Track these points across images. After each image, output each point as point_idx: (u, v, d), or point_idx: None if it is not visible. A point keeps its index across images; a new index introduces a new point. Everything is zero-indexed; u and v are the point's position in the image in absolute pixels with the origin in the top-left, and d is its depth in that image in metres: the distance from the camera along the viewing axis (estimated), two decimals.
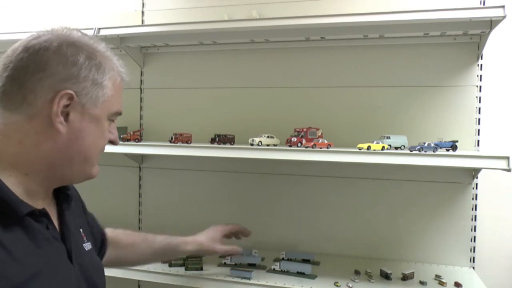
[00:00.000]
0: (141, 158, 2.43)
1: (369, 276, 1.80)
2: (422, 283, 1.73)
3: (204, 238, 1.51)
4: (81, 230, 1.07)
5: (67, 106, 0.86)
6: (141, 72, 2.44)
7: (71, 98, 0.86)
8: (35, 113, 0.85)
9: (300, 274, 1.81)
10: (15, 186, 0.85)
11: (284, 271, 1.84)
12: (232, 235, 1.77)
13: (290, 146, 1.84)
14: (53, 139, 0.87)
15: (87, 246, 1.05)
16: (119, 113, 0.97)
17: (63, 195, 1.00)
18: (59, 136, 0.87)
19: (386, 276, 1.80)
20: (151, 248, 1.39)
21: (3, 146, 0.85)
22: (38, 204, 0.89)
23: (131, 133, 2.09)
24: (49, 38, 0.87)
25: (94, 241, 1.17)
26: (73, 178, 0.96)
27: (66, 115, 0.87)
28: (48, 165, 0.88)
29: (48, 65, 0.85)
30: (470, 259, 1.99)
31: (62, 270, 0.89)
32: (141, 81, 2.45)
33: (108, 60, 0.93)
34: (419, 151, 1.66)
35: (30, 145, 0.86)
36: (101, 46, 0.93)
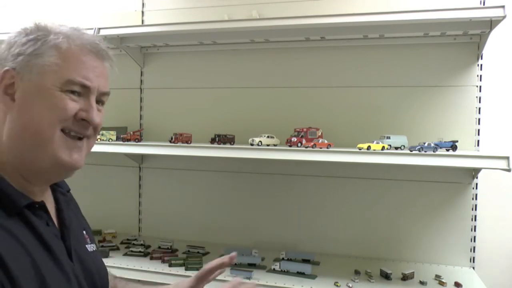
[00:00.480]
0: (141, 158, 2.43)
1: (369, 276, 1.80)
2: (422, 283, 1.73)
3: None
4: (84, 232, 1.06)
5: (11, 85, 0.85)
6: (141, 72, 2.44)
7: (12, 75, 0.85)
8: None
9: (300, 274, 1.81)
10: (14, 179, 0.86)
11: (284, 271, 1.84)
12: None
13: (290, 146, 1.84)
14: (8, 122, 0.85)
15: (91, 247, 1.03)
16: (80, 84, 0.87)
17: (62, 196, 0.99)
18: (10, 117, 0.85)
19: (386, 276, 1.80)
20: None
21: None
22: (36, 199, 0.89)
23: (131, 133, 2.09)
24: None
25: None
26: (40, 164, 0.86)
27: (13, 94, 0.85)
28: (12, 148, 0.86)
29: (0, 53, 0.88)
30: (470, 259, 1.99)
31: (64, 266, 0.88)
32: (141, 81, 2.45)
33: (55, 34, 0.88)
34: (419, 151, 1.66)
35: (1, 132, 0.86)
36: (56, 25, 0.91)
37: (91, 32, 2.07)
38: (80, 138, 0.89)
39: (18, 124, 0.85)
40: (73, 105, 0.86)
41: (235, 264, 1.92)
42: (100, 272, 1.02)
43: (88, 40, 0.89)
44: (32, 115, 0.84)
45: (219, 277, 1.75)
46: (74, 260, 0.92)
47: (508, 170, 1.50)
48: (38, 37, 0.86)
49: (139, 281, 1.26)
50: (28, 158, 0.86)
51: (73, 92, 0.86)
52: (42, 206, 0.89)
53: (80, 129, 0.88)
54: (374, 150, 1.71)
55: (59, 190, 1.00)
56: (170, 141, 2.02)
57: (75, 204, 1.10)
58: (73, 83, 0.86)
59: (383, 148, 1.73)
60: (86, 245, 1.02)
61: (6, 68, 0.85)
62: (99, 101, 0.93)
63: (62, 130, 0.85)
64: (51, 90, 0.84)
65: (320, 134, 1.92)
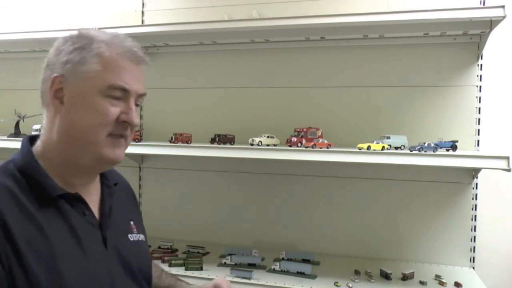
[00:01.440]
0: (141, 158, 2.43)
1: (369, 276, 1.80)
2: (422, 283, 1.73)
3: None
4: (131, 222, 1.12)
5: (60, 90, 0.95)
6: None
7: (60, 81, 0.95)
8: (47, 103, 0.98)
9: (300, 274, 1.81)
10: (54, 172, 0.95)
11: (284, 271, 1.84)
12: None
13: (290, 146, 1.84)
14: (58, 122, 0.96)
15: (135, 237, 1.09)
16: (120, 88, 0.95)
17: (106, 189, 1.07)
18: (59, 118, 0.96)
19: (386, 276, 1.80)
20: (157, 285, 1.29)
21: (43, 138, 0.99)
22: (74, 190, 0.97)
23: None
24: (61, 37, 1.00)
25: None
26: (86, 160, 0.96)
27: (62, 98, 0.95)
28: (60, 147, 0.96)
29: (48, 59, 1.00)
30: (470, 259, 1.99)
31: (92, 253, 0.93)
32: None
33: (97, 42, 0.97)
34: (419, 151, 1.66)
35: (49, 132, 0.97)
36: (98, 32, 1.01)
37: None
38: (121, 136, 0.98)
39: (66, 126, 0.95)
40: (114, 109, 0.95)
41: (235, 264, 1.92)
42: (140, 261, 1.06)
43: (127, 47, 0.99)
44: (79, 119, 0.94)
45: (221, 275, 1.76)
46: (109, 248, 0.98)
47: (508, 170, 1.50)
48: (83, 45, 0.96)
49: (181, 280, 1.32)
50: (75, 155, 0.95)
51: (114, 96, 0.95)
52: (76, 197, 0.96)
53: (121, 130, 0.97)
54: (374, 150, 1.71)
55: (106, 183, 1.08)
56: (170, 141, 2.02)
57: (127, 196, 1.20)
58: (114, 87, 0.95)
59: (383, 148, 1.73)
60: (129, 235, 1.08)
61: (56, 74, 0.95)
62: (137, 103, 1.02)
63: (109, 133, 0.95)
64: (94, 96, 0.94)
65: (320, 134, 1.92)
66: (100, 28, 2.06)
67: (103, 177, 1.09)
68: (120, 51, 0.97)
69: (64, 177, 0.96)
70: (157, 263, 1.21)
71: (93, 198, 1.02)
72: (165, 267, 1.88)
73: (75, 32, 1.00)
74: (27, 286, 0.82)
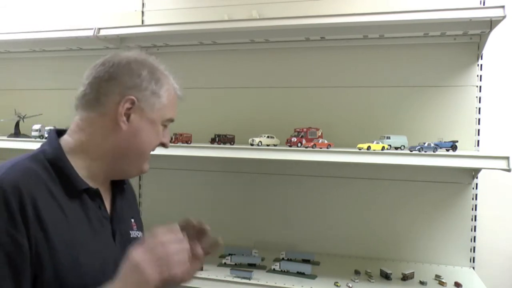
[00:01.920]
0: None
1: (369, 276, 1.80)
2: (422, 283, 1.73)
3: None
4: (132, 220, 1.22)
5: (129, 108, 1.06)
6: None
7: (133, 102, 1.06)
8: (105, 112, 1.06)
9: (300, 274, 1.81)
10: (80, 167, 1.05)
11: (284, 271, 1.84)
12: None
13: (290, 146, 1.84)
14: (116, 134, 1.07)
15: (136, 233, 1.20)
16: (172, 120, 1.16)
17: (118, 188, 1.18)
18: (121, 132, 1.06)
19: (386, 276, 1.80)
20: None
21: (78, 137, 1.07)
22: (95, 186, 1.07)
23: None
24: (123, 56, 1.11)
25: None
26: (129, 170, 1.13)
27: (128, 116, 1.07)
28: (110, 155, 1.08)
29: (118, 76, 1.07)
30: (470, 259, 1.99)
31: (105, 246, 1.05)
32: None
33: (166, 77, 1.15)
34: (419, 151, 1.66)
35: (98, 136, 1.07)
36: (162, 66, 1.17)
37: (91, 32, 2.08)
38: None
39: (128, 142, 1.08)
40: (161, 134, 1.14)
41: (235, 264, 1.92)
42: None
43: (178, 88, 1.20)
44: (142, 139, 1.09)
45: (219, 277, 1.76)
46: (116, 241, 1.09)
47: (508, 170, 1.50)
48: (159, 78, 1.12)
49: None
50: (124, 165, 1.11)
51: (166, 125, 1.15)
52: (97, 192, 1.07)
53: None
54: (374, 150, 1.71)
55: (117, 182, 1.19)
56: (170, 141, 2.02)
57: (131, 195, 1.32)
58: (170, 120, 1.16)
59: (383, 148, 1.73)
60: (131, 231, 1.19)
61: (132, 96, 1.06)
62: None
63: None
64: (158, 123, 1.11)
65: (320, 134, 1.92)
66: (100, 28, 2.08)
67: None
68: (175, 91, 1.17)
69: (88, 174, 1.06)
70: None
71: (106, 194, 1.13)
72: None
73: (147, 59, 1.15)
74: (52, 268, 0.91)
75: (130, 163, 1.11)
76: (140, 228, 1.25)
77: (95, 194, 1.06)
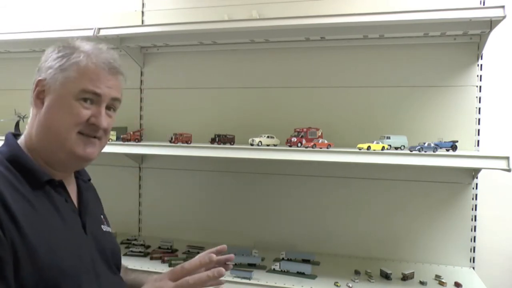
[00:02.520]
0: (141, 158, 2.43)
1: (369, 276, 1.80)
2: (422, 283, 1.73)
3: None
4: (102, 216, 1.24)
5: (42, 91, 1.06)
6: (141, 72, 2.44)
7: (39, 84, 1.06)
8: (31, 102, 1.09)
9: (300, 274, 1.81)
10: (40, 162, 1.06)
11: (284, 271, 1.84)
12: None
13: (290, 146, 1.84)
14: (37, 121, 1.07)
15: (106, 228, 1.21)
16: (93, 92, 1.05)
17: (80, 181, 1.19)
18: (39, 117, 1.06)
19: (386, 276, 1.80)
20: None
21: (27, 132, 1.09)
22: (56, 178, 1.07)
23: (131, 133, 2.09)
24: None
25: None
26: (60, 157, 1.06)
27: (43, 99, 1.06)
28: (38, 142, 1.06)
29: (39, 64, 1.11)
30: (470, 259, 1.99)
31: (77, 237, 1.05)
32: (141, 81, 2.45)
33: (80, 52, 1.07)
34: (419, 151, 1.66)
35: (31, 128, 1.08)
36: (84, 43, 1.11)
37: (91, 32, 2.08)
38: (94, 137, 1.08)
39: (43, 124, 1.05)
40: (85, 112, 1.05)
41: (235, 264, 1.92)
42: (113, 249, 1.18)
43: (104, 58, 1.08)
44: (54, 119, 1.05)
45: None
46: (87, 233, 1.08)
47: (508, 170, 1.50)
48: (65, 54, 1.07)
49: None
50: (49, 151, 1.06)
51: (85, 100, 1.05)
52: (61, 184, 1.07)
53: (91, 132, 1.07)
54: (374, 150, 1.71)
55: (81, 178, 1.20)
56: (170, 141, 2.02)
57: (95, 193, 1.31)
58: (86, 91, 1.05)
59: (383, 148, 1.73)
60: (102, 225, 1.19)
61: (40, 78, 1.07)
62: (111, 107, 1.12)
63: (79, 132, 1.05)
64: (68, 99, 1.04)
65: (320, 134, 1.92)
66: (100, 28, 2.08)
67: (77, 173, 1.20)
68: (96, 61, 1.07)
69: (45, 168, 1.06)
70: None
71: (71, 188, 1.13)
72: (164, 266, 1.90)
73: (66, 40, 1.12)
74: (27, 256, 0.91)
75: (56, 147, 1.05)
76: (108, 224, 1.26)
77: (59, 186, 1.07)
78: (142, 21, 2.45)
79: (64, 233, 1.00)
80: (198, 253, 2.06)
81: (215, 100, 2.31)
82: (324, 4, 2.14)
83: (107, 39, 2.13)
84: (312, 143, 1.80)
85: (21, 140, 1.09)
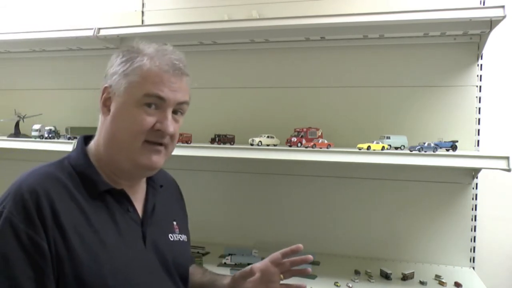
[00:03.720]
0: None
1: (369, 276, 1.80)
2: (422, 283, 1.73)
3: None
4: (174, 222, 1.19)
5: (108, 98, 1.04)
6: None
7: (106, 91, 1.04)
8: (99, 110, 1.07)
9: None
10: (106, 170, 1.05)
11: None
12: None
13: (290, 146, 1.84)
14: (104, 128, 1.05)
15: (176, 237, 1.15)
16: (157, 96, 1.00)
17: (150, 187, 1.15)
18: (106, 125, 1.04)
19: (386, 276, 1.80)
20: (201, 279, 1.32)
21: (96, 139, 1.08)
22: (120, 187, 1.05)
23: None
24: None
25: None
26: (125, 166, 1.03)
27: (109, 107, 1.04)
28: (105, 150, 1.05)
29: (106, 71, 1.08)
30: (470, 259, 1.99)
31: (132, 250, 1.00)
32: None
33: (143, 55, 1.04)
34: (419, 151, 1.66)
35: (99, 136, 1.07)
36: (147, 45, 1.07)
37: (91, 32, 2.08)
38: (160, 144, 1.04)
39: (109, 132, 1.03)
40: (149, 119, 1.01)
41: (235, 264, 1.92)
42: (177, 260, 1.11)
43: (167, 59, 1.04)
44: (119, 127, 1.02)
45: None
46: (147, 245, 1.04)
47: (508, 170, 1.50)
48: (129, 59, 1.03)
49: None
50: (114, 159, 1.04)
51: (150, 105, 1.01)
52: (123, 193, 1.04)
53: (157, 138, 1.03)
54: (374, 150, 1.71)
55: (152, 184, 1.16)
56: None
57: (174, 197, 1.31)
58: (149, 95, 1.00)
59: (383, 148, 1.73)
60: (170, 234, 1.14)
61: (106, 85, 1.05)
62: (178, 111, 1.08)
63: (146, 141, 1.01)
64: (132, 105, 1.00)
65: (320, 134, 1.92)
66: (100, 28, 2.08)
67: (150, 178, 1.16)
68: (159, 63, 1.02)
69: (111, 176, 1.05)
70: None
71: (137, 196, 1.10)
72: None
73: (128, 46, 1.09)
74: (71, 270, 0.90)
75: (122, 157, 1.03)
76: (184, 231, 1.21)
77: (121, 195, 1.04)
78: (142, 21, 2.45)
79: (117, 248, 0.97)
80: (198, 252, 2.07)
81: (215, 100, 2.31)
82: (324, 4, 2.14)
83: (107, 39, 2.13)
84: (312, 143, 1.80)
85: (90, 146, 1.09)
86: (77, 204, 0.96)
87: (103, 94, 1.06)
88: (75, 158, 1.05)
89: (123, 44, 2.24)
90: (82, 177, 1.01)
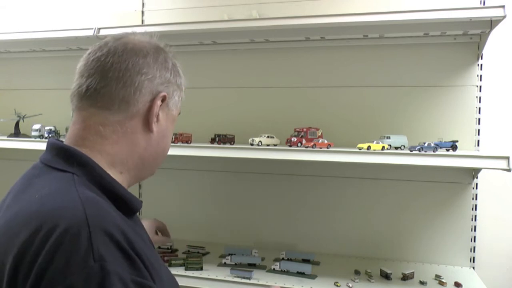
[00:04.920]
0: None
1: (369, 276, 1.80)
2: (422, 283, 1.73)
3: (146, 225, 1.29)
4: None
5: (159, 107, 0.91)
6: None
7: (164, 99, 0.91)
8: (135, 113, 0.87)
9: (300, 274, 1.81)
10: (122, 183, 0.88)
11: (284, 271, 1.84)
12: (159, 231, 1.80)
13: (290, 146, 1.84)
14: (146, 139, 0.90)
15: None
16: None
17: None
18: (151, 136, 0.90)
19: (386, 276, 1.80)
20: None
21: (101, 147, 0.85)
22: None
23: None
24: (142, 42, 0.94)
25: None
26: (144, 177, 0.98)
27: (157, 116, 0.91)
28: (139, 164, 0.91)
29: (150, 69, 0.89)
30: (470, 259, 1.99)
31: (169, 270, 0.94)
32: None
33: (176, 66, 0.99)
34: (419, 151, 1.66)
35: (126, 145, 0.87)
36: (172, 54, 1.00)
37: (91, 32, 2.08)
38: None
39: (156, 146, 0.92)
40: None
41: (235, 264, 1.92)
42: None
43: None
44: (168, 139, 0.96)
45: (219, 277, 1.76)
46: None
47: (508, 170, 1.50)
48: (178, 71, 0.98)
49: None
50: (149, 172, 0.96)
51: None
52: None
53: None
54: (374, 150, 1.71)
55: None
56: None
57: None
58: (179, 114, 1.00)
59: (383, 148, 1.73)
60: None
61: (165, 93, 0.91)
62: None
63: None
64: (175, 120, 0.97)
65: (320, 134, 1.92)
66: (100, 28, 2.08)
67: None
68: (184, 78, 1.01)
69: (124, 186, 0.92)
70: None
71: None
72: None
73: (165, 48, 1.00)
74: None
75: (153, 168, 0.96)
76: None
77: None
78: (142, 21, 2.45)
79: (167, 274, 0.89)
80: (198, 252, 2.07)
81: (215, 100, 2.31)
82: (324, 4, 2.14)
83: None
84: (312, 143, 1.80)
85: (98, 158, 0.84)
86: (135, 232, 0.78)
87: (162, 102, 0.90)
88: (91, 174, 0.81)
89: None
90: (112, 196, 0.81)
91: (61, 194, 0.73)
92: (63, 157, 0.82)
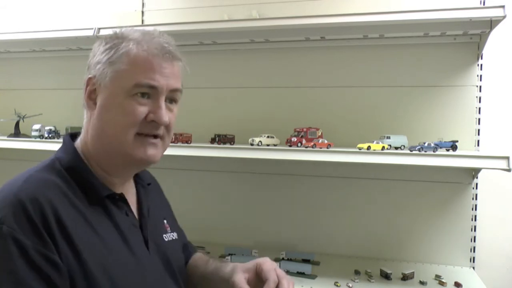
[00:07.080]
0: None
1: (369, 276, 1.80)
2: (422, 283, 1.73)
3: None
4: (165, 221, 1.14)
5: (93, 90, 0.96)
6: None
7: (93, 83, 0.95)
8: (84, 104, 0.99)
9: (300, 274, 1.81)
10: (97, 170, 0.97)
11: (284, 271, 1.83)
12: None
13: (290, 146, 1.84)
14: (91, 124, 0.96)
15: (169, 236, 1.11)
16: (147, 85, 0.92)
17: (140, 186, 1.09)
18: (93, 120, 0.96)
19: (386, 276, 1.79)
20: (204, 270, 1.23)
21: (82, 137, 1.00)
22: (116, 190, 0.98)
23: None
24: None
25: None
26: (119, 162, 0.96)
27: (95, 100, 0.96)
28: (94, 147, 0.97)
29: (88, 62, 0.99)
30: (470, 259, 1.99)
31: (140, 258, 0.94)
32: None
33: (128, 39, 0.95)
34: (419, 151, 1.66)
35: (86, 133, 0.98)
36: (132, 31, 0.98)
37: (91, 32, 2.08)
38: (155, 136, 0.96)
39: (98, 127, 0.95)
40: (141, 109, 0.92)
41: None
42: (177, 260, 1.08)
43: (156, 43, 0.94)
44: (108, 120, 0.93)
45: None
46: (150, 249, 0.99)
47: (508, 170, 1.50)
48: (113, 45, 0.94)
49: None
50: (106, 156, 0.96)
51: (142, 94, 0.93)
52: (121, 197, 0.98)
53: (151, 130, 0.95)
54: (374, 150, 1.71)
55: (140, 183, 1.10)
56: (170, 141, 2.02)
57: (159, 194, 1.24)
58: (140, 85, 0.92)
59: (383, 148, 1.73)
60: (164, 235, 1.09)
61: (90, 76, 0.96)
62: (172, 99, 1.01)
63: (138, 133, 0.93)
64: (121, 96, 0.92)
65: (320, 134, 1.92)
66: (100, 28, 2.07)
67: (137, 176, 1.09)
68: (147, 47, 0.93)
69: (103, 176, 0.97)
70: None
71: (130, 198, 1.03)
72: None
73: (111, 33, 0.99)
74: (84, 284, 0.82)
75: (114, 153, 0.94)
76: (174, 228, 1.16)
77: (119, 200, 0.97)
78: (142, 21, 2.45)
79: (126, 256, 0.91)
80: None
81: (215, 100, 2.31)
82: (324, 4, 2.14)
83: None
84: (312, 143, 1.80)
85: (77, 144, 0.99)
86: (80, 212, 0.87)
87: (87, 86, 0.96)
88: (68, 160, 0.94)
89: None
90: (79, 181, 0.91)
91: (24, 175, 0.88)
92: (62, 144, 1.00)
